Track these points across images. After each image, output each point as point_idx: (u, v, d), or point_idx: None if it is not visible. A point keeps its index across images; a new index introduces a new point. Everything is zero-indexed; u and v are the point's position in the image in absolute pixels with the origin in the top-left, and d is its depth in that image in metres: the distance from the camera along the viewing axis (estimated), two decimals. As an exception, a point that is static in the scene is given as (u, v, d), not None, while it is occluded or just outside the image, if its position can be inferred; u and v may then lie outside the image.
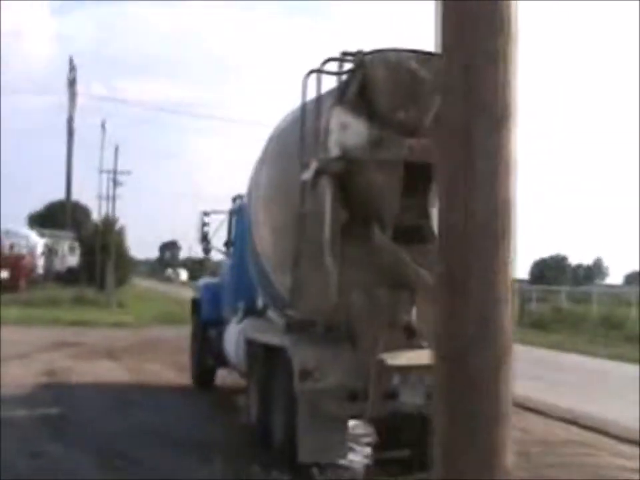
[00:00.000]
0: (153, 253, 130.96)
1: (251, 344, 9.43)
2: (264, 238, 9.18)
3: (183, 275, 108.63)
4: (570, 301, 36.50)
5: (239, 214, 12.18)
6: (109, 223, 41.19)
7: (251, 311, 10.96)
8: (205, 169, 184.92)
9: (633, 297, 33.00)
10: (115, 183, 41.33)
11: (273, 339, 8.35)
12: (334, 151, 7.55)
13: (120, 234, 43.07)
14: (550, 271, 73.25)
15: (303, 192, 7.81)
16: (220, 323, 12.49)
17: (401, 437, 8.49)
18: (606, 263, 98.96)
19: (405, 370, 7.40)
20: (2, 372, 13.12)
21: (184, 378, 13.48)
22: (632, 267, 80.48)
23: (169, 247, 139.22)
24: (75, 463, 7.73)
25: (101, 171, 41.86)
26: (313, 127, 7.79)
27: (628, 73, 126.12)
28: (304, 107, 7.88)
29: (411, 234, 7.64)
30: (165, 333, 22.24)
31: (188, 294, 46.82)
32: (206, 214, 12.67)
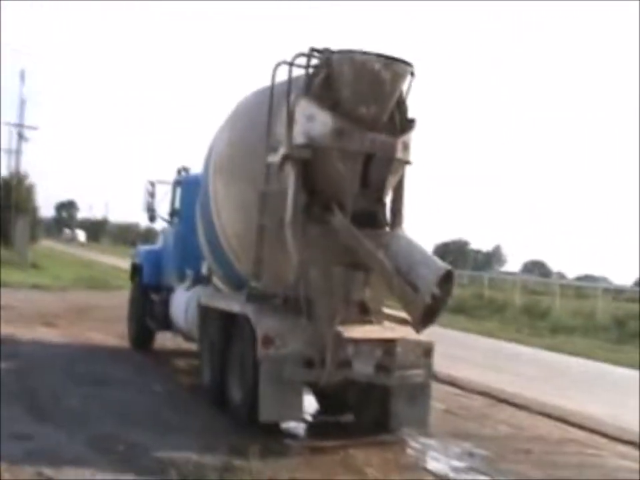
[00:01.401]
0: (48, 212, 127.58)
1: (204, 310, 10.05)
2: (222, 211, 9.79)
3: (81, 236, 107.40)
4: (471, 285, 36.91)
5: (186, 185, 12.80)
6: (19, 179, 40.38)
7: (198, 279, 11.61)
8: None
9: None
10: (21, 137, 40.51)
11: (234, 306, 8.96)
12: (299, 139, 8.26)
13: (30, 191, 42.26)
14: (450, 254, 75.53)
15: (268, 173, 8.50)
16: (161, 288, 13.11)
17: (344, 402, 9.35)
18: (504, 250, 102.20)
19: (358, 342, 8.24)
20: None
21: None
22: (530, 256, 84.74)
23: (66, 207, 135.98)
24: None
25: (9, 124, 41.02)
26: (280, 114, 8.48)
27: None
28: (272, 95, 8.52)
29: (367, 219, 8.43)
30: (92, 299, 22.08)
31: (94, 257, 46.38)
32: (152, 184, 13.15)
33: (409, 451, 8.41)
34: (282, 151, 8.29)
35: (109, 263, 41.07)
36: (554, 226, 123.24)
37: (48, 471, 6.54)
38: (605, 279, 56.73)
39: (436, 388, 11.27)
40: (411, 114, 8.71)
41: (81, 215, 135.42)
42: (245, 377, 8.44)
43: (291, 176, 8.31)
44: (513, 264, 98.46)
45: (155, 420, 8.75)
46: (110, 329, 15.51)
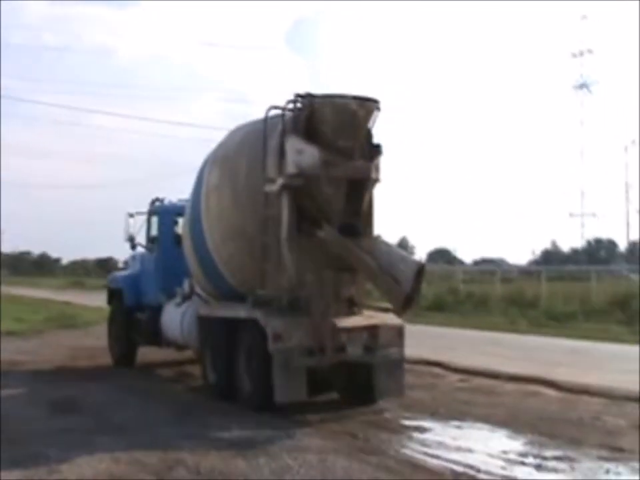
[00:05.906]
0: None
1: (205, 320, 11.74)
2: (217, 236, 11.42)
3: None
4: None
5: (162, 214, 14.51)
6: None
7: (186, 295, 13.21)
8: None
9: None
10: None
11: (240, 313, 10.68)
12: (291, 169, 10.07)
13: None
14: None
15: (267, 200, 10.27)
16: (144, 308, 14.62)
17: (331, 383, 11.09)
18: (411, 241, 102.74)
19: (350, 330, 10.17)
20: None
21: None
22: (434, 245, 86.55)
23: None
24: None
25: None
26: (271, 150, 10.29)
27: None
28: (265, 135, 10.32)
29: (349, 229, 10.29)
30: (78, 341, 20.21)
31: (14, 291, 45.95)
32: (131, 215, 14.69)
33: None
34: (280, 181, 10.09)
35: (36, 296, 41.13)
36: (450, 212, 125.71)
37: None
38: (502, 261, 58.61)
39: (580, 400, 11.23)
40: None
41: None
42: (255, 369, 10.19)
43: (285, 201, 10.12)
44: (420, 254, 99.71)
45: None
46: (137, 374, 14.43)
